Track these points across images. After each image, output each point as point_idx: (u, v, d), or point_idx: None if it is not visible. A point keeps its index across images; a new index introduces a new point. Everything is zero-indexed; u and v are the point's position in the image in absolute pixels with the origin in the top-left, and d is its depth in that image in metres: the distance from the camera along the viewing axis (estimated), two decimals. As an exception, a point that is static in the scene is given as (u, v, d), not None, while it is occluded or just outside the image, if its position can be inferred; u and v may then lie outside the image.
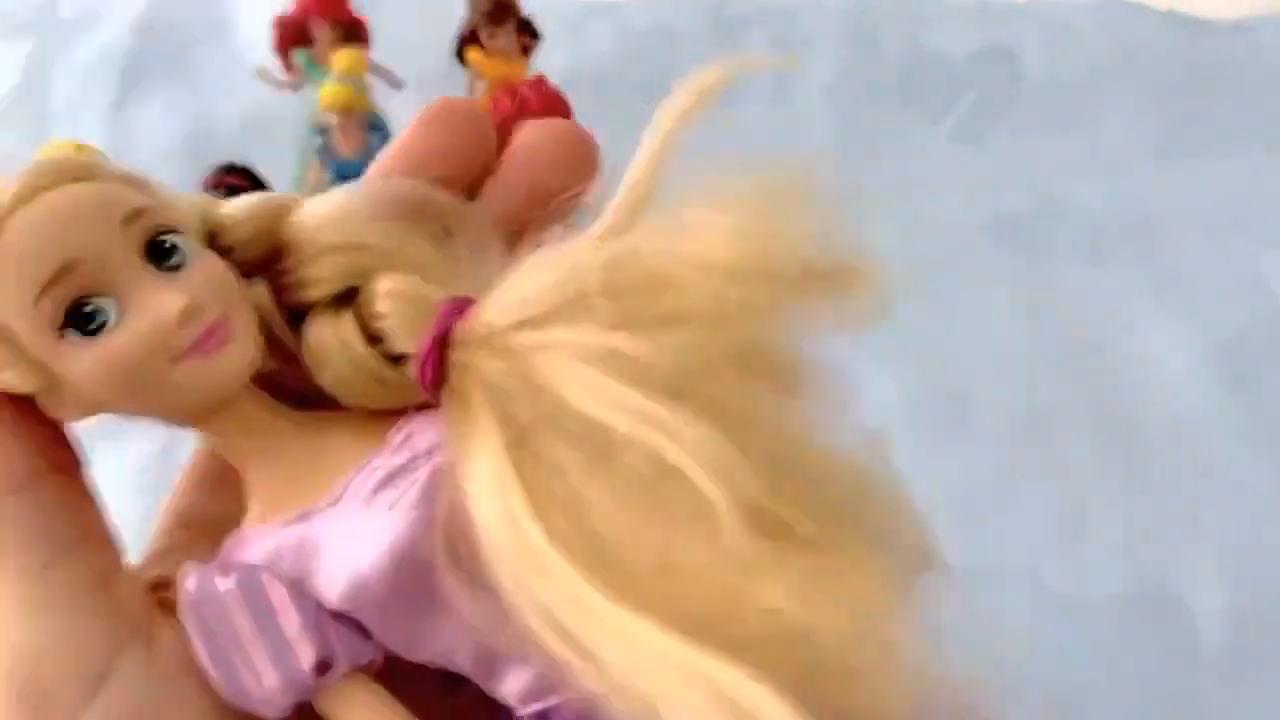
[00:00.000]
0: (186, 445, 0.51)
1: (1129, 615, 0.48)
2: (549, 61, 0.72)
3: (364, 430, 0.15)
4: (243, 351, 0.14)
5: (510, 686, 0.15)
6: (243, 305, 0.14)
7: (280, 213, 0.15)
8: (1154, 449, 0.52)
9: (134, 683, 0.15)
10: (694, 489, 0.13)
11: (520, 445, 0.14)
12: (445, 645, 0.15)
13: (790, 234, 0.14)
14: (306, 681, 0.15)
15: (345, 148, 0.53)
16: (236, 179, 0.48)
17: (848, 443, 0.14)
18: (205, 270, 0.14)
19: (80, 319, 0.13)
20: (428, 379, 0.14)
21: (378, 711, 0.15)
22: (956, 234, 0.63)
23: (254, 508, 0.15)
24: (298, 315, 0.15)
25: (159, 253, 0.14)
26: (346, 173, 0.55)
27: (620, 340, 0.14)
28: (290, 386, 0.16)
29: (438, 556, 0.14)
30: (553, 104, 0.50)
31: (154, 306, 0.13)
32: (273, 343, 0.15)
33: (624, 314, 0.14)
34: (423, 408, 0.15)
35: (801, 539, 0.13)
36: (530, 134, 0.17)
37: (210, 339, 0.14)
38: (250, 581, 0.15)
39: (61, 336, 0.13)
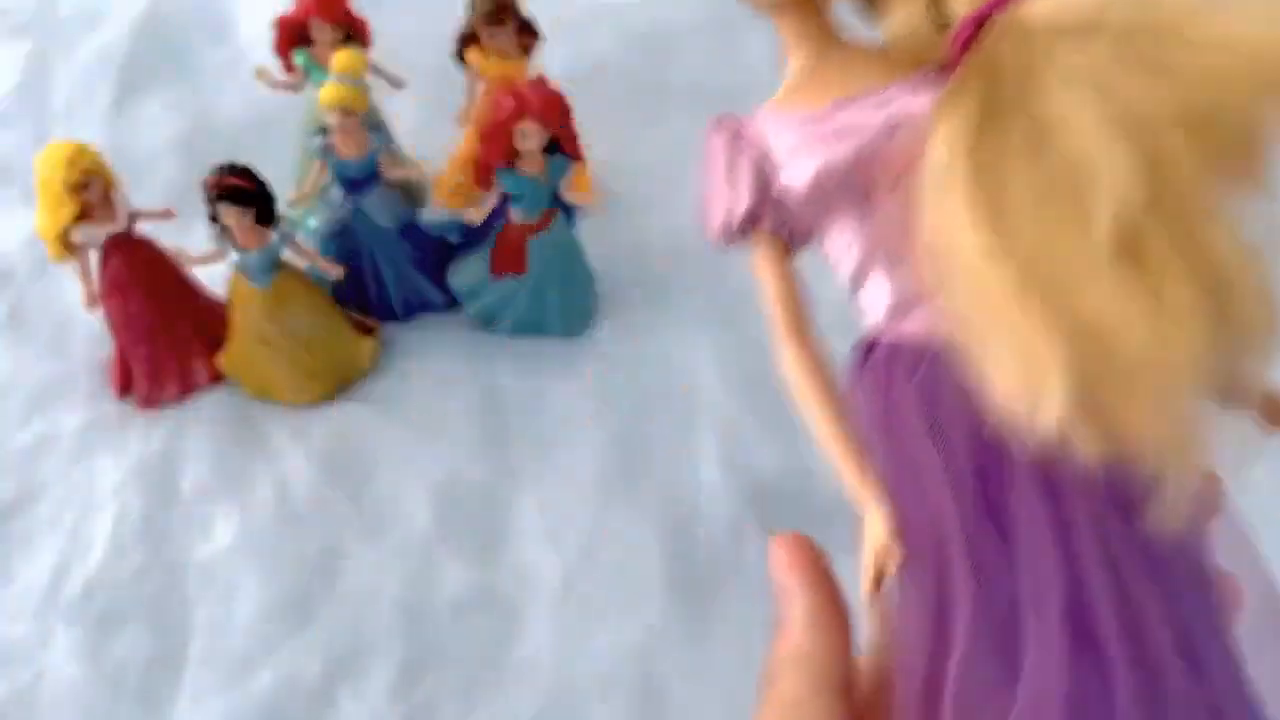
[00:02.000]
0: (187, 445, 0.51)
1: None
2: (549, 61, 0.72)
3: (884, 69, 0.21)
4: None
5: (870, 296, 0.21)
6: None
7: None
8: None
9: None
10: (1092, 198, 0.16)
11: (987, 120, 0.18)
12: (838, 247, 0.21)
13: None
14: (734, 225, 0.22)
15: (346, 147, 0.54)
16: (237, 180, 0.48)
17: (1252, 237, 0.16)
18: None
19: None
20: (959, 45, 0.19)
21: (776, 265, 0.23)
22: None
23: (780, 92, 0.22)
24: None
25: None
26: (347, 172, 0.55)
27: (1116, 75, 0.17)
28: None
29: (874, 177, 0.20)
30: (552, 104, 0.50)
31: None
32: None
33: (1130, 51, 0.17)
34: (943, 70, 0.19)
35: (1156, 270, 0.16)
36: None
37: None
38: (732, 142, 0.22)
39: None
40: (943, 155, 0.18)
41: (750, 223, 0.23)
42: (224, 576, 0.49)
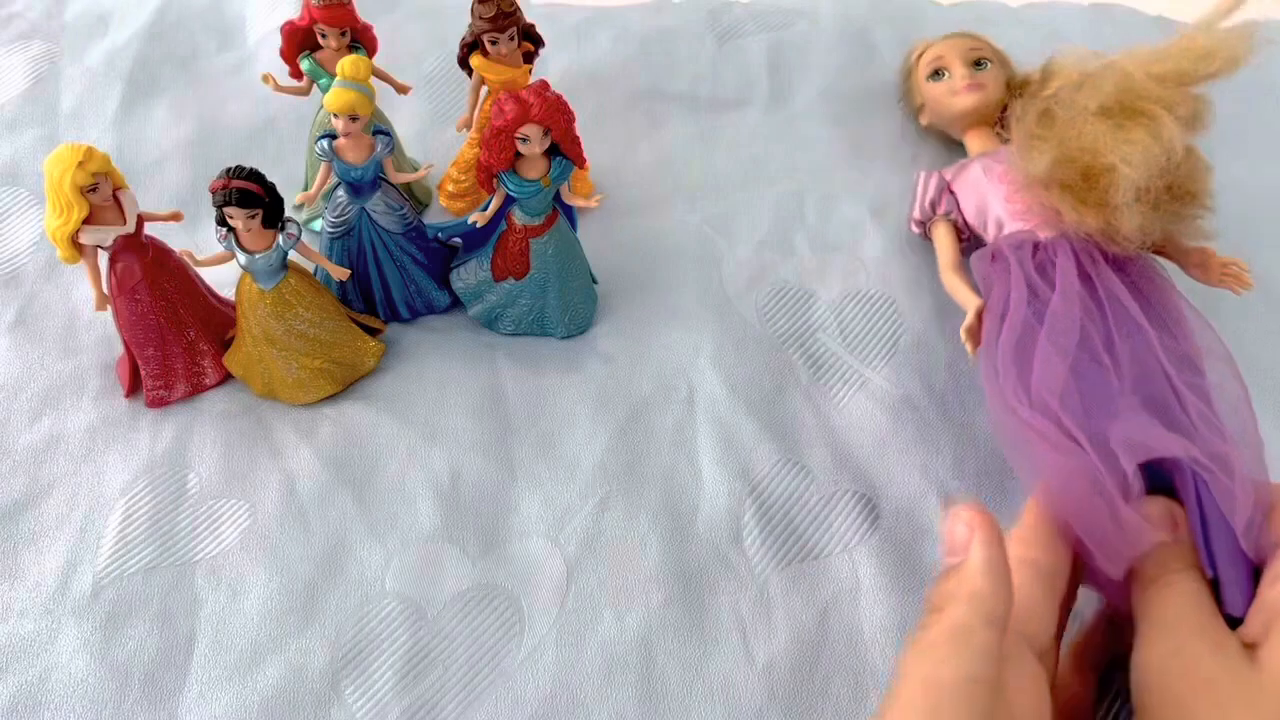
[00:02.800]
0: (195, 444, 0.52)
1: None
2: (550, 67, 0.73)
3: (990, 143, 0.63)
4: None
5: (990, 233, 0.57)
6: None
7: None
8: None
9: None
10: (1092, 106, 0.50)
11: (1041, 118, 0.52)
12: (974, 218, 0.59)
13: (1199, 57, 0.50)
14: (928, 214, 0.60)
15: (351, 152, 0.54)
16: (244, 182, 0.49)
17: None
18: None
19: None
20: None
21: (948, 235, 0.59)
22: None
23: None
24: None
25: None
26: (352, 177, 0.56)
27: (1129, 77, 0.50)
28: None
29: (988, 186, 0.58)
30: (555, 108, 0.51)
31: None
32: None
33: (1134, 79, 0.50)
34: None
35: (1128, 127, 0.49)
36: None
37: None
38: (928, 175, 0.60)
39: None
40: (1022, 134, 0.52)
41: (932, 210, 0.59)
42: (231, 574, 0.50)
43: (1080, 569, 0.41)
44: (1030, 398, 0.45)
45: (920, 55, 0.68)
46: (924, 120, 0.68)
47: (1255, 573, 0.40)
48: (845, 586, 0.50)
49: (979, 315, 0.51)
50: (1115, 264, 0.51)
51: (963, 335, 0.51)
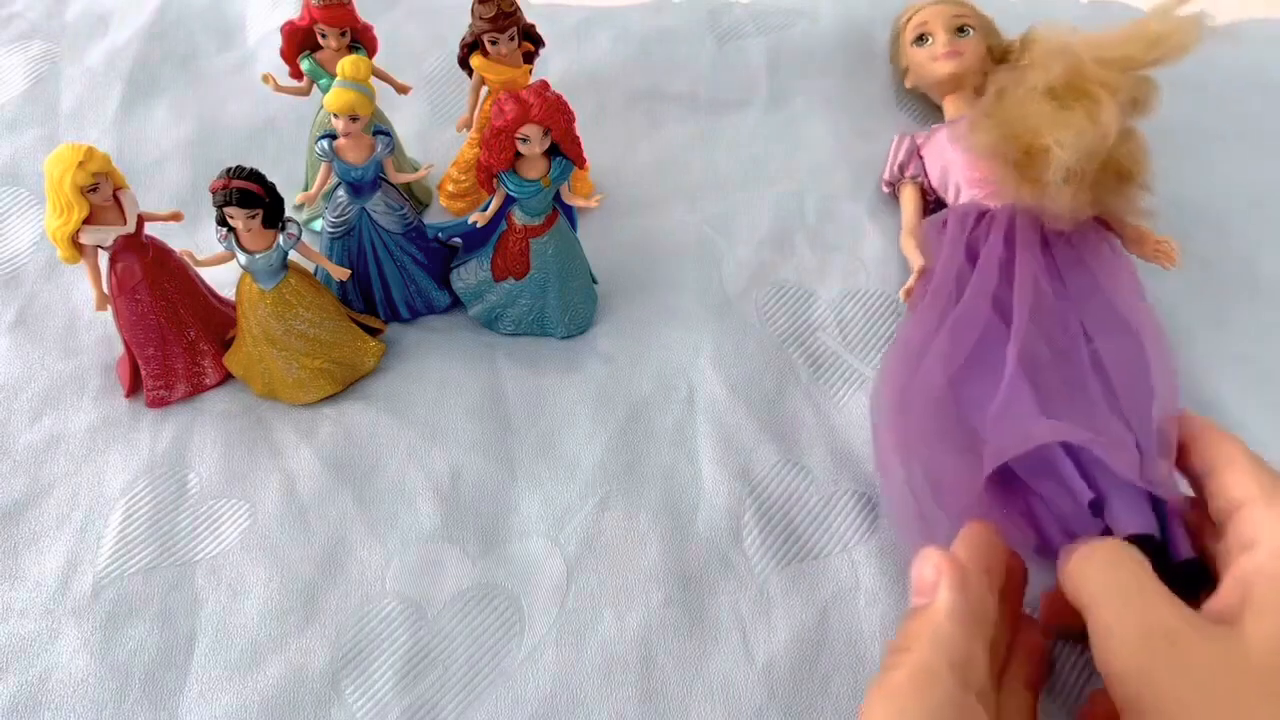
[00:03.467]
0: (195, 444, 0.52)
1: None
2: (551, 68, 0.73)
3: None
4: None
5: (950, 198, 0.61)
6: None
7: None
8: None
9: None
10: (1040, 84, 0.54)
11: (995, 97, 0.56)
12: (939, 183, 0.63)
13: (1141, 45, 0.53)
14: (896, 176, 0.64)
15: (351, 152, 0.54)
16: (244, 182, 0.49)
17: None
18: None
19: None
20: None
21: (913, 197, 0.63)
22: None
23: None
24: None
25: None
26: (353, 177, 0.56)
27: (1077, 60, 0.53)
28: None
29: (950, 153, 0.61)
30: (554, 108, 0.51)
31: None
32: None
33: (1084, 61, 0.53)
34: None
35: (1068, 108, 0.52)
36: None
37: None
38: (902, 137, 0.65)
39: None
40: (979, 110, 0.57)
41: (900, 173, 0.63)
42: (231, 573, 0.50)
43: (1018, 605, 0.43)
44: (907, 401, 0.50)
45: (909, 20, 0.70)
46: (908, 83, 0.70)
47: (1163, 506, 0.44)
48: (845, 586, 0.50)
49: (919, 275, 0.56)
50: (1059, 235, 0.54)
51: (901, 295, 0.56)
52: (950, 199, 0.59)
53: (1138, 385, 0.48)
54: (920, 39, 0.68)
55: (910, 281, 0.55)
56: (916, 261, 0.56)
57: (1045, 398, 0.48)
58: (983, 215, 0.55)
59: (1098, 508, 0.44)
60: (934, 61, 0.66)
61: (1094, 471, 0.45)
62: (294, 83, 0.61)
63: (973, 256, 0.54)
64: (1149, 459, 0.44)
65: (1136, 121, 0.54)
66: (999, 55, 0.66)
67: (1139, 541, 0.41)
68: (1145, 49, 0.52)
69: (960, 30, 0.66)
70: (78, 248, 0.52)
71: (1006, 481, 0.48)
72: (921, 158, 0.62)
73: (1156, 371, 0.49)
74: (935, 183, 0.61)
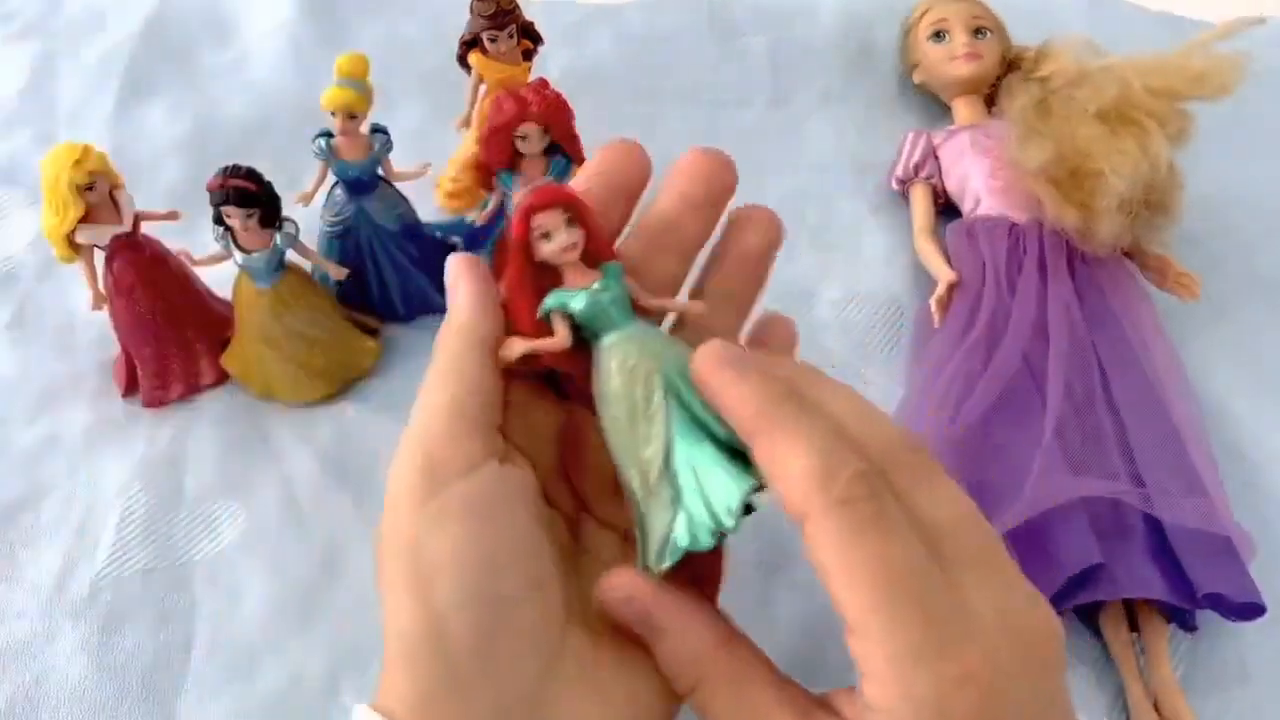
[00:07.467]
0: (192, 445, 0.51)
1: None
2: (550, 66, 0.73)
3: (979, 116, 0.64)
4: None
5: (968, 206, 0.60)
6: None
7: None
8: None
9: None
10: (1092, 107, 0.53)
11: (1037, 107, 0.56)
12: (958, 189, 0.62)
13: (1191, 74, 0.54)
14: (910, 175, 0.63)
15: (348, 150, 0.54)
16: (241, 181, 0.49)
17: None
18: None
19: None
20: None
21: (925, 199, 0.61)
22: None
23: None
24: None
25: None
26: (349, 174, 0.56)
27: (1128, 86, 0.54)
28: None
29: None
30: (553, 106, 0.51)
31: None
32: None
33: (1136, 89, 0.53)
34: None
35: (1120, 135, 0.52)
36: None
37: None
38: (917, 135, 0.64)
39: None
40: (1020, 121, 0.55)
41: (914, 172, 0.62)
42: (229, 575, 0.50)
43: None
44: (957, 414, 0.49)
45: (924, 14, 0.69)
46: (916, 78, 0.69)
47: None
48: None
49: (951, 289, 0.55)
50: (1084, 260, 0.54)
51: (933, 305, 0.54)
52: (967, 206, 0.58)
53: (1151, 427, 0.48)
54: (937, 35, 0.67)
55: (941, 290, 0.54)
56: (938, 268, 0.55)
57: (1066, 445, 0.47)
58: (1011, 229, 0.55)
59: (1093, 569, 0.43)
60: (952, 61, 0.65)
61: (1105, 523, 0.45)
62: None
63: (1007, 280, 0.53)
64: (1173, 500, 0.45)
65: (1174, 154, 0.54)
66: (1011, 61, 0.65)
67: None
68: (1188, 84, 0.52)
69: (978, 32, 0.66)
70: (74, 247, 0.51)
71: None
72: (938, 159, 0.61)
73: (1179, 414, 0.49)
74: (952, 187, 0.59)
